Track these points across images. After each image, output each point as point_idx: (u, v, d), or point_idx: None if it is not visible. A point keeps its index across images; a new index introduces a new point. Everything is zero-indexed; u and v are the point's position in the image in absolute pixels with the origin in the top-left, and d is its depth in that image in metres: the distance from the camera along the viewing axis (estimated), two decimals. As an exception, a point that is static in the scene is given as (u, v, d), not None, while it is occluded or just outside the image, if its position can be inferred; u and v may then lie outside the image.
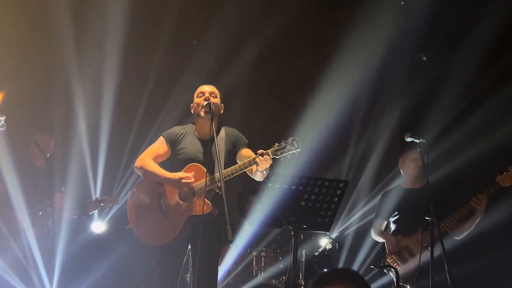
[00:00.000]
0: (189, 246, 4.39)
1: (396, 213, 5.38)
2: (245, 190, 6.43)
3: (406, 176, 5.52)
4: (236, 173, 4.18)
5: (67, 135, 6.45)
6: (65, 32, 6.34)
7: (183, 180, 4.24)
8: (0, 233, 5.53)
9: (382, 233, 5.44)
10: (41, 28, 6.46)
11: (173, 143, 4.44)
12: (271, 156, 4.09)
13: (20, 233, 5.62)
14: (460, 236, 5.16)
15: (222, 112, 4.47)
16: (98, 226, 6.46)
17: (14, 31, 6.25)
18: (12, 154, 5.50)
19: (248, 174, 4.34)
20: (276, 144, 4.11)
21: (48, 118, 6.41)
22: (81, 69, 6.43)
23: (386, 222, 5.47)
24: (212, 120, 4.23)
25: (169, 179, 4.29)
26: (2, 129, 4.26)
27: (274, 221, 3.88)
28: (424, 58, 7.50)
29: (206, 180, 4.17)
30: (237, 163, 4.25)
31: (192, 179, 4.23)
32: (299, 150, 4.07)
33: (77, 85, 6.44)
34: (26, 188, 5.59)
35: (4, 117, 4.26)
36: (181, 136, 4.45)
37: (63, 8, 6.32)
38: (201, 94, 4.45)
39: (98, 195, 6.64)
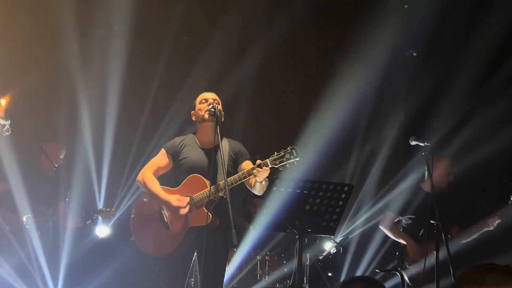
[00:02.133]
0: (195, 253, 4.38)
1: (413, 216, 5.40)
2: (250, 193, 6.42)
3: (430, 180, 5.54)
4: (235, 183, 4.17)
5: (71, 139, 6.46)
6: (70, 37, 6.36)
7: (180, 210, 4.23)
8: (3, 234, 5.54)
9: (397, 231, 5.44)
10: (46, 33, 6.47)
11: (174, 154, 4.44)
12: (270, 166, 4.08)
13: (24, 236, 5.62)
14: (465, 240, 5.23)
15: (223, 119, 4.45)
16: (103, 230, 6.46)
17: (19, 36, 6.27)
18: (17, 158, 5.52)
19: (248, 188, 4.35)
20: (275, 153, 4.10)
21: (53, 122, 6.43)
22: (86, 74, 6.44)
23: (398, 218, 5.48)
24: (216, 125, 4.22)
25: (165, 203, 4.29)
26: (7, 133, 4.28)
27: (279, 225, 3.88)
28: (415, 54, 7.51)
29: (211, 189, 4.19)
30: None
31: (186, 211, 4.22)
32: (298, 159, 4.06)
33: (81, 89, 6.45)
34: (30, 191, 5.61)
35: (9, 121, 4.28)
36: (183, 146, 4.45)
37: (68, 13, 6.33)
38: (204, 101, 4.44)
39: (102, 201, 6.63)
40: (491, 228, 5.19)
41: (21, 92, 5.87)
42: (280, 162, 4.06)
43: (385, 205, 6.30)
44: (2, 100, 4.33)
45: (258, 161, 4.09)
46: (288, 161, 4.06)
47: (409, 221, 5.42)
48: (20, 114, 5.88)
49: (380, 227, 5.61)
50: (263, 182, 4.15)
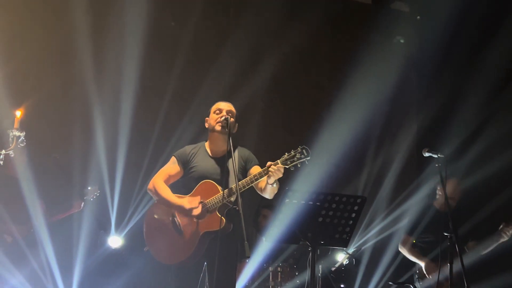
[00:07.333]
0: (205, 263, 4.38)
1: (429, 235, 5.41)
2: (261, 204, 6.43)
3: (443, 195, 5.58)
4: (248, 186, 4.18)
5: (85, 150, 6.49)
6: (84, 50, 6.41)
7: (193, 210, 4.24)
8: (16, 244, 5.56)
9: (415, 253, 5.44)
10: (60, 46, 6.53)
11: (185, 162, 4.47)
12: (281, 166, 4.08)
13: (37, 246, 5.64)
14: (482, 253, 5.25)
15: (235, 131, 4.46)
16: (115, 240, 6.48)
17: (34, 49, 6.34)
18: (31, 170, 5.55)
19: (258, 192, 4.34)
20: (286, 153, 4.10)
21: (67, 133, 6.47)
22: (100, 86, 6.48)
23: (414, 239, 5.51)
24: (229, 137, 4.22)
25: (178, 207, 4.31)
26: (22, 144, 4.32)
27: (291, 237, 3.87)
28: (402, 41, 7.53)
29: (223, 194, 4.18)
30: None
31: (199, 210, 4.23)
32: (308, 158, 4.06)
33: (95, 101, 6.49)
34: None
35: (24, 132, 4.32)
36: (193, 155, 4.47)
37: (82, 25, 6.39)
38: (218, 111, 4.46)
39: (114, 211, 6.64)
40: (506, 239, 5.18)
41: (36, 104, 5.92)
42: (291, 162, 4.06)
43: (398, 218, 6.29)
44: (17, 111, 4.38)
45: (269, 163, 4.09)
46: (299, 161, 4.05)
47: (425, 240, 5.42)
48: (35, 125, 5.93)
49: (400, 250, 5.62)
50: (275, 185, 4.14)
